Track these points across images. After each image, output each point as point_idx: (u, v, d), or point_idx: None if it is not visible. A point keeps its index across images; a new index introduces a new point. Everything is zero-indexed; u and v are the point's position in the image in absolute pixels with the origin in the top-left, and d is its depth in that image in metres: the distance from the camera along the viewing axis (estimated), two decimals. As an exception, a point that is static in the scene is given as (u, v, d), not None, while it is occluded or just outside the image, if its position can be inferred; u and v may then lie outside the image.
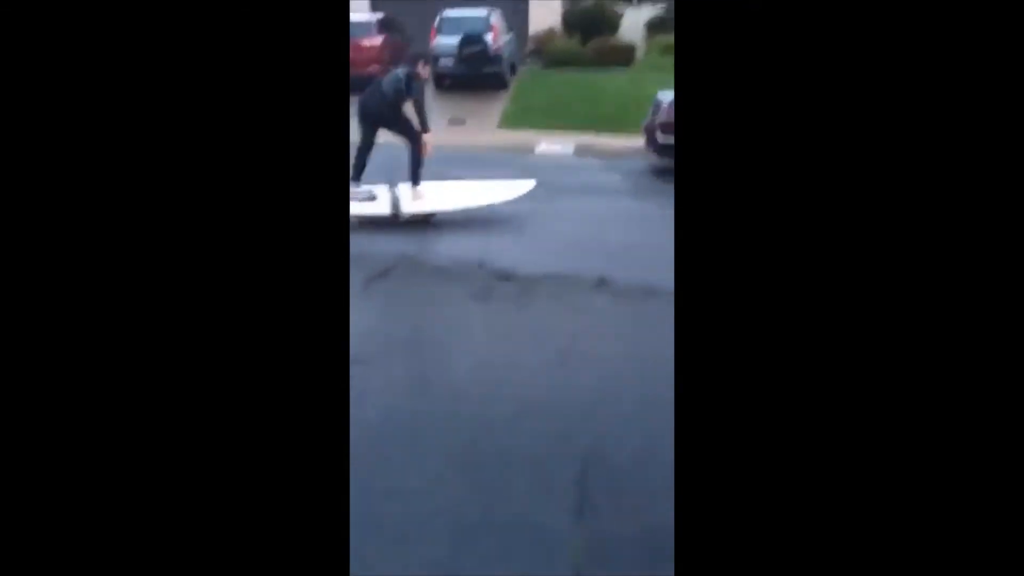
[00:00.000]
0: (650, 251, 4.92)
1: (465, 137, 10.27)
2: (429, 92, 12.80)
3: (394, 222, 5.37)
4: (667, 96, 8.09)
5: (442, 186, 5.77)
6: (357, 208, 5.37)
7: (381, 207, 5.42)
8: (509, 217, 5.69)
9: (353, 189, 5.46)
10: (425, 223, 5.50)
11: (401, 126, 5.60)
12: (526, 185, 5.67)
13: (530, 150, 9.43)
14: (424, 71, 5.59)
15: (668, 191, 6.26)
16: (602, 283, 4.41)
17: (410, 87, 5.41)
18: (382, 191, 5.56)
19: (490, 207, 5.59)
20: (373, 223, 5.37)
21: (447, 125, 10.80)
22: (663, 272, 3.15)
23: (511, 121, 11.06)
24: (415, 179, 5.61)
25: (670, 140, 7.71)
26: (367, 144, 5.59)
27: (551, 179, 6.94)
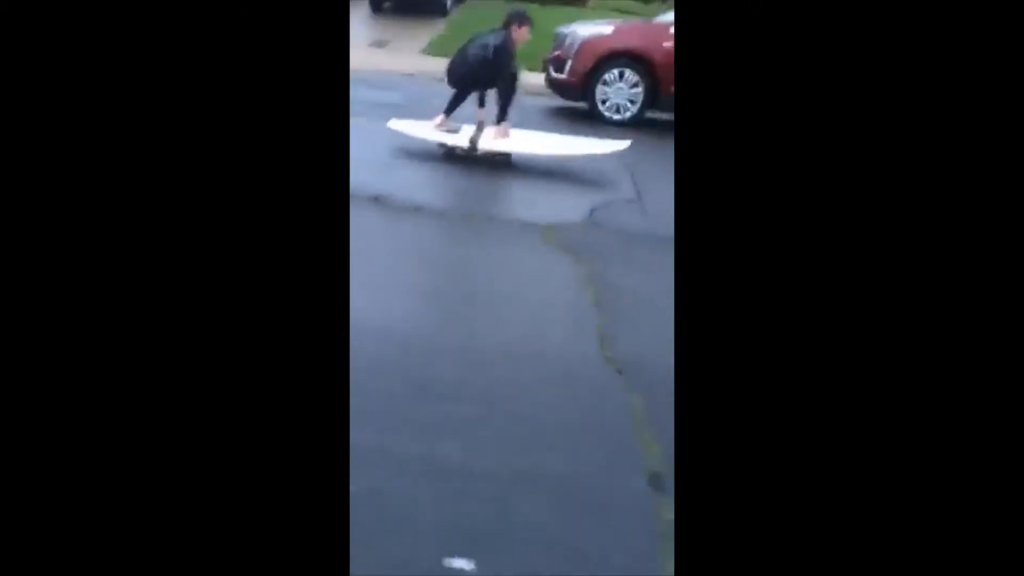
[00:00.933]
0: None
1: (384, 60, 9.89)
2: (364, 11, 12.38)
3: (470, 155, 5.51)
4: (567, 29, 7.97)
5: (530, 134, 5.77)
6: (439, 136, 5.53)
7: (460, 139, 5.50)
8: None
9: (441, 119, 5.54)
10: (501, 162, 5.61)
11: (490, 86, 5.47)
12: (618, 144, 5.53)
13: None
14: (520, 34, 5.37)
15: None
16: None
17: (497, 60, 5.25)
18: (467, 127, 5.56)
19: (569, 158, 5.54)
20: (450, 154, 5.57)
21: (367, 47, 10.34)
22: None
23: (436, 48, 10.63)
24: (501, 116, 5.50)
25: (560, 76, 7.78)
26: (459, 98, 5.52)
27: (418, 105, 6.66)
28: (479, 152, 5.48)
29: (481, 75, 5.36)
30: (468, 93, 5.47)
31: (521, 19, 5.39)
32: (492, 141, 5.49)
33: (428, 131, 5.58)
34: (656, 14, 9.76)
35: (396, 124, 5.66)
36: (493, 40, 5.27)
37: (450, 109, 5.54)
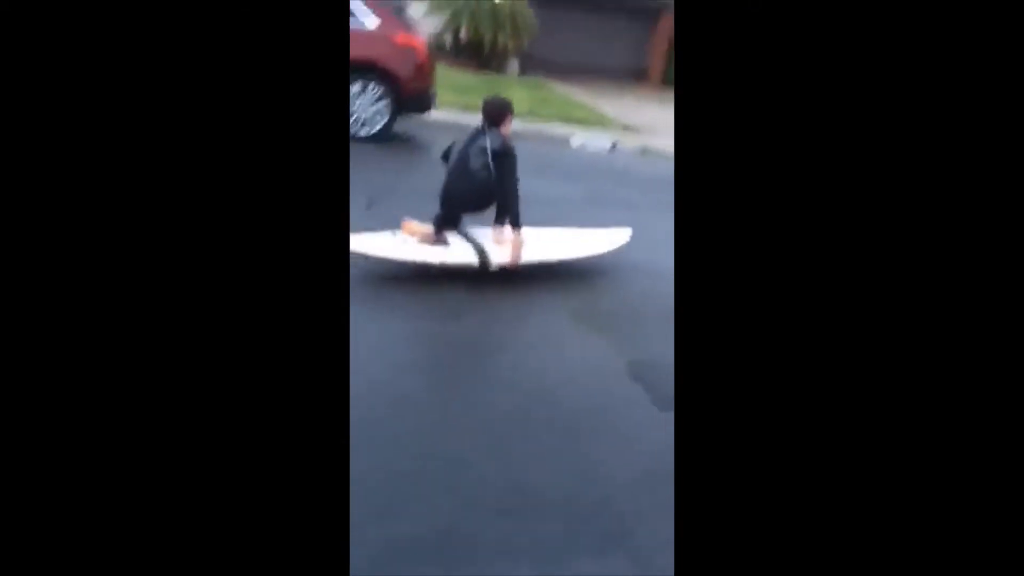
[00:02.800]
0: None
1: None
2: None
3: (483, 272, 4.06)
4: None
5: (532, 232, 4.36)
6: (420, 254, 3.97)
7: (463, 254, 4.05)
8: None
9: (424, 232, 4.07)
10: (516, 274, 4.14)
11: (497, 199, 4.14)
12: (623, 235, 4.60)
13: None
14: (507, 128, 4.16)
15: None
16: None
17: (502, 169, 3.99)
18: (453, 236, 4.17)
19: (586, 259, 4.45)
20: (449, 273, 4.01)
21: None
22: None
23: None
24: (501, 219, 4.18)
25: None
26: (454, 219, 4.19)
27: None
28: (494, 268, 4.07)
29: (488, 190, 4.05)
30: (467, 212, 4.20)
31: (507, 109, 4.17)
32: (506, 252, 4.08)
33: (399, 248, 3.96)
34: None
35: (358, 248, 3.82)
36: (489, 144, 4.00)
37: (441, 226, 4.09)
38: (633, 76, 17.23)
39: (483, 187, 4.01)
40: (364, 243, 3.84)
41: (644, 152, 9.13)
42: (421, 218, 4.12)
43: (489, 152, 3.96)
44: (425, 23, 11.58)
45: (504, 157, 3.98)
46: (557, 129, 9.42)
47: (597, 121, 10.44)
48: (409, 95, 7.03)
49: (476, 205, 4.12)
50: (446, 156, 4.24)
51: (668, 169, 6.13)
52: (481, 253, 4.04)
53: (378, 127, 6.96)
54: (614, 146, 9.15)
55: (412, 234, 4.04)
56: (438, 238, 4.07)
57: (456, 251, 4.05)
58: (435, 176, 4.28)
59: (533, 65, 14.77)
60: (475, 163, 4.01)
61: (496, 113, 4.10)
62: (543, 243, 4.37)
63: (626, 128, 10.32)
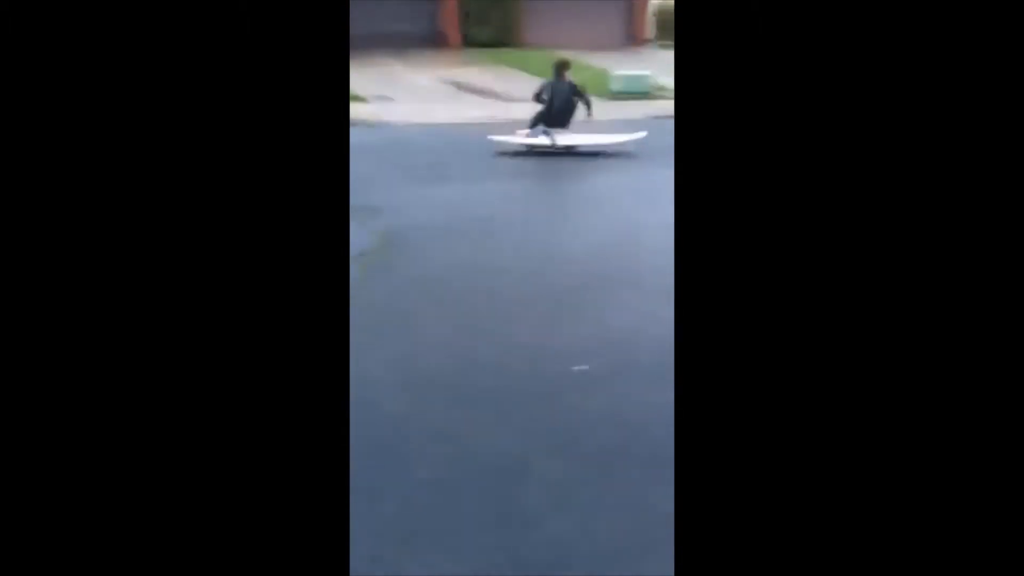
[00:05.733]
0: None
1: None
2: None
3: (552, 150, 8.82)
4: None
5: (578, 135, 9.08)
6: (531, 140, 8.88)
7: (544, 141, 8.86)
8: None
9: (529, 131, 8.91)
10: (569, 152, 8.97)
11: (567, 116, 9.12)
12: (638, 135, 8.88)
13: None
14: (568, 75, 9.16)
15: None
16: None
17: (570, 101, 8.95)
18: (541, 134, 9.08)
19: (607, 145, 8.92)
20: (537, 150, 8.88)
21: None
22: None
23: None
24: (566, 124, 9.09)
25: None
26: (536, 123, 8.92)
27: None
28: (558, 147, 8.86)
29: (570, 109, 8.99)
30: (561, 125, 8.96)
31: (566, 67, 9.12)
32: (563, 140, 8.91)
33: (520, 138, 9.02)
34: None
35: (495, 137, 9.09)
36: (566, 87, 8.98)
37: (532, 126, 8.97)
38: (429, 43, 16.96)
39: (569, 108, 8.95)
40: (503, 137, 8.99)
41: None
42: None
43: (570, 89, 8.98)
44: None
45: (575, 93, 8.98)
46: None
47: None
48: None
49: (564, 120, 8.94)
50: (538, 96, 9.00)
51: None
52: (553, 140, 8.83)
53: None
54: None
55: (527, 135, 9.01)
56: (531, 133, 8.92)
57: (542, 140, 8.90)
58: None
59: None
60: (565, 95, 8.91)
61: (563, 68, 9.06)
62: (586, 137, 8.98)
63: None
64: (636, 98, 11.57)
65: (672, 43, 13.13)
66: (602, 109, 10.06)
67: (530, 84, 11.92)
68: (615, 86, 11.97)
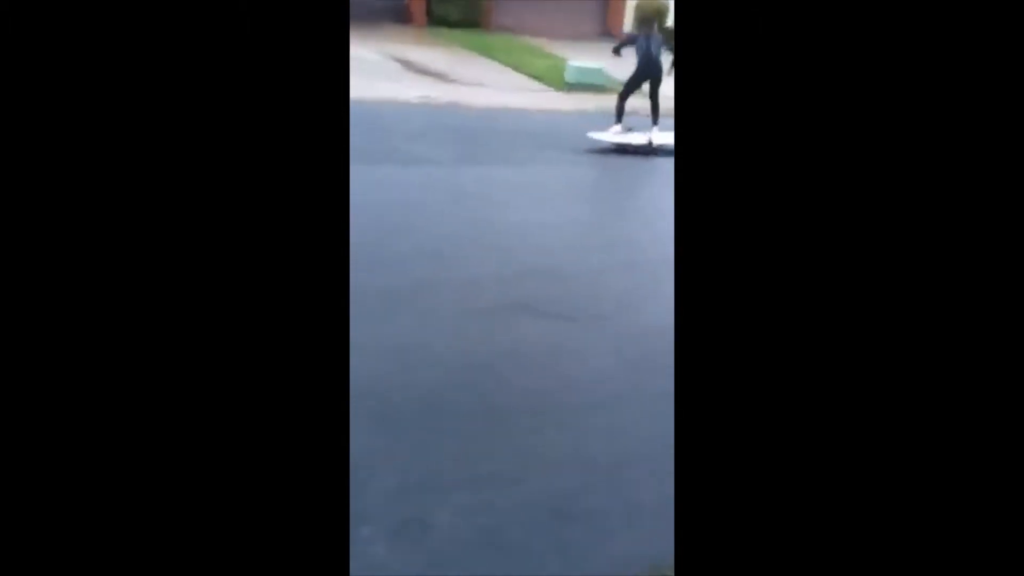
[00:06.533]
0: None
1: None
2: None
3: (648, 150, 7.75)
4: None
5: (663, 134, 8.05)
6: (625, 138, 7.69)
7: (640, 139, 7.75)
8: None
9: (621, 127, 7.72)
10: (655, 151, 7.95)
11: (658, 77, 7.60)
12: None
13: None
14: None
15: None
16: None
17: (659, 59, 7.38)
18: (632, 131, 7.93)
19: None
20: (630, 149, 7.81)
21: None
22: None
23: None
24: (656, 120, 7.76)
25: None
26: (624, 99, 7.66)
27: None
28: (654, 147, 7.78)
29: (659, 68, 7.50)
30: (636, 89, 7.64)
31: (660, 13, 7.47)
32: (659, 139, 7.75)
33: (614, 137, 7.75)
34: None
35: (594, 134, 7.80)
36: (658, 42, 7.37)
37: (619, 116, 7.68)
38: (395, 18, 16.39)
39: (658, 67, 7.48)
40: (601, 135, 7.75)
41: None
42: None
43: (659, 44, 7.46)
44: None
45: (660, 48, 7.47)
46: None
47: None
48: None
49: (656, 80, 7.56)
50: (617, 50, 7.76)
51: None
52: (650, 139, 7.75)
53: None
54: None
55: (620, 132, 7.76)
56: (625, 127, 7.78)
57: (639, 138, 7.79)
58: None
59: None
60: (655, 52, 7.43)
61: (653, 17, 7.44)
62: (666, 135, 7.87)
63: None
64: (590, 91, 11.20)
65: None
66: (557, 100, 9.64)
67: (486, 69, 11.53)
68: (568, 77, 11.52)
